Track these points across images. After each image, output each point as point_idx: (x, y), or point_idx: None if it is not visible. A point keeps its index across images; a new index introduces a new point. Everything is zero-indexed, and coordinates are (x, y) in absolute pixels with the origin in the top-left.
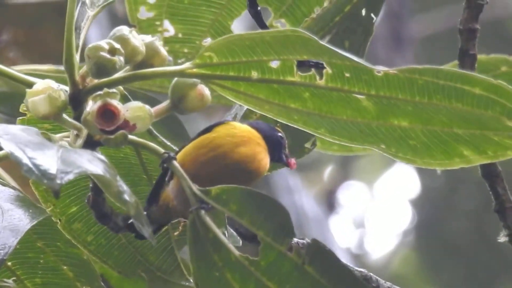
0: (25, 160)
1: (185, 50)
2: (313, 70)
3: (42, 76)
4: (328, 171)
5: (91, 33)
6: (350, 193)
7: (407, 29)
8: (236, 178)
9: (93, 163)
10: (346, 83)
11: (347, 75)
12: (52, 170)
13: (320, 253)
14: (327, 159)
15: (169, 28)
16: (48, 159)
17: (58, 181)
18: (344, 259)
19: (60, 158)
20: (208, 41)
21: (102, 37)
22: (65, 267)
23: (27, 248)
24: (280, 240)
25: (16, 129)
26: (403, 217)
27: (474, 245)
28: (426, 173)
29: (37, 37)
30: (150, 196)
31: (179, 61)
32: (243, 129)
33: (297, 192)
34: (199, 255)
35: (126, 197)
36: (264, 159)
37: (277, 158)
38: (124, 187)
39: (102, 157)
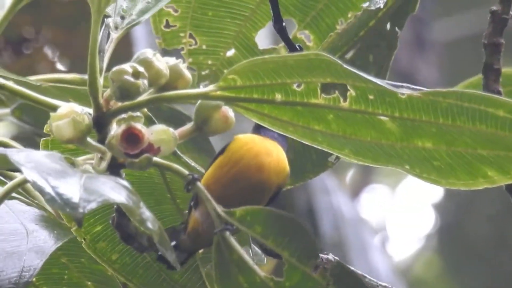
0: (48, 189)
1: (209, 62)
2: (337, 92)
3: (65, 89)
4: (350, 175)
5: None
6: (373, 197)
7: (430, 33)
8: (259, 192)
9: (116, 191)
10: (370, 105)
11: (371, 97)
12: (75, 199)
13: (344, 274)
14: (348, 163)
15: (193, 40)
16: (71, 187)
17: (81, 210)
18: (383, 260)
19: (83, 186)
20: (232, 52)
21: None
22: (89, 283)
23: (51, 264)
24: (305, 261)
25: (39, 155)
26: (426, 221)
27: (496, 250)
28: None
29: (76, 37)
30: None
31: (203, 72)
32: (257, 138)
33: (333, 193)
34: (224, 276)
35: (149, 224)
36: (285, 170)
37: None
38: (147, 214)
39: (126, 184)
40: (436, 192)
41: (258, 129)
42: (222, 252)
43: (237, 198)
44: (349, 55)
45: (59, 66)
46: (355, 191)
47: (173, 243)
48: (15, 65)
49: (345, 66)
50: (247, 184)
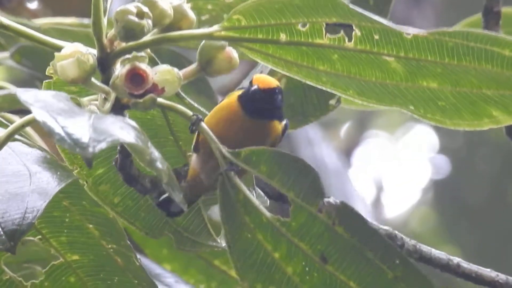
0: (58, 130)
1: (209, 7)
2: (342, 32)
3: (65, 31)
4: (345, 128)
5: None
6: (368, 150)
7: None
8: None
9: (125, 130)
10: (375, 45)
11: (376, 37)
12: (85, 139)
13: (348, 214)
14: (344, 116)
15: None
16: (80, 127)
17: (91, 150)
18: (366, 212)
19: (92, 126)
20: None
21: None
22: (90, 226)
23: (53, 207)
24: (311, 201)
25: (46, 95)
26: (422, 176)
27: (491, 207)
28: (445, 132)
29: None
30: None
31: (203, 17)
32: (226, 104)
33: (317, 145)
34: (230, 217)
35: (159, 164)
36: (254, 133)
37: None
38: (156, 154)
39: (134, 124)
40: (432, 147)
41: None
42: (227, 193)
43: (237, 140)
44: None
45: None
46: (350, 145)
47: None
48: None
49: (351, 5)
50: (236, 135)
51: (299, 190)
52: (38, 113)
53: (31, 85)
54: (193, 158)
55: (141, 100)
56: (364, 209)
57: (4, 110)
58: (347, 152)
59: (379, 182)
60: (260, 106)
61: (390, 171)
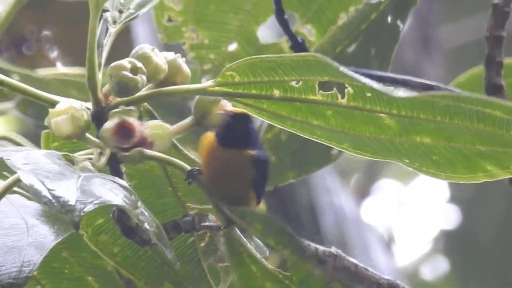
0: (45, 192)
1: (211, 56)
2: (335, 89)
3: (68, 82)
4: (356, 178)
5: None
6: (378, 199)
7: (435, 34)
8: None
9: (113, 191)
10: (368, 103)
11: (369, 94)
12: (72, 201)
13: (344, 270)
14: (355, 166)
15: (195, 35)
16: (68, 190)
17: (77, 213)
18: (383, 259)
19: (80, 188)
20: (234, 46)
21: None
22: (90, 278)
23: (52, 258)
24: (305, 260)
25: (38, 155)
26: (432, 224)
27: (503, 255)
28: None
29: (76, 35)
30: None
31: (205, 67)
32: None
33: (335, 193)
34: (239, 266)
35: (147, 225)
36: (231, 163)
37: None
38: (146, 214)
39: (124, 183)
40: (442, 195)
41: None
42: (232, 244)
43: (217, 173)
44: (351, 48)
45: (61, 65)
46: (361, 194)
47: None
48: (17, 65)
49: (341, 68)
50: (219, 179)
51: (293, 250)
52: (25, 177)
53: (36, 135)
54: None
55: (128, 153)
56: (383, 257)
57: None
58: (357, 201)
59: (389, 231)
60: (229, 133)
61: (400, 219)
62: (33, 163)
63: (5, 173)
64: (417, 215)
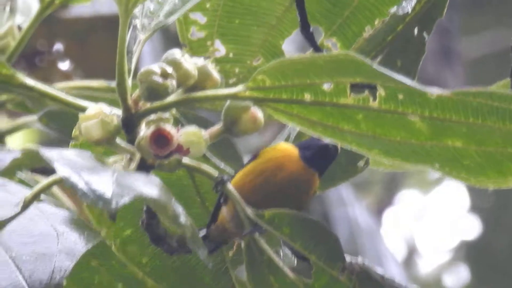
0: (81, 185)
1: (236, 70)
2: (366, 92)
3: (93, 98)
4: (376, 189)
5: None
6: (399, 210)
7: (456, 45)
8: (284, 202)
9: (148, 187)
10: (399, 105)
11: (401, 97)
12: (108, 194)
13: (367, 279)
14: (375, 177)
15: (220, 48)
16: (104, 183)
17: (114, 205)
18: (398, 271)
19: (115, 181)
20: (259, 60)
21: (155, 56)
22: (120, 286)
23: (81, 267)
24: (332, 265)
25: (70, 153)
26: (453, 234)
27: None
28: (476, 191)
29: (89, 50)
30: (211, 215)
31: (230, 81)
32: (281, 150)
33: (350, 205)
34: (256, 277)
35: (182, 220)
36: (303, 179)
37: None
38: (179, 210)
39: (157, 181)
40: (464, 206)
41: (300, 144)
42: (252, 253)
43: (262, 204)
44: (377, 60)
45: (74, 78)
46: (381, 205)
47: (203, 231)
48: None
49: (374, 66)
50: (270, 194)
51: (321, 254)
52: (61, 169)
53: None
54: (224, 207)
55: (166, 162)
56: (396, 269)
57: (26, 167)
58: (378, 212)
59: (411, 241)
60: (319, 155)
61: (422, 229)
62: (67, 158)
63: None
64: (438, 225)
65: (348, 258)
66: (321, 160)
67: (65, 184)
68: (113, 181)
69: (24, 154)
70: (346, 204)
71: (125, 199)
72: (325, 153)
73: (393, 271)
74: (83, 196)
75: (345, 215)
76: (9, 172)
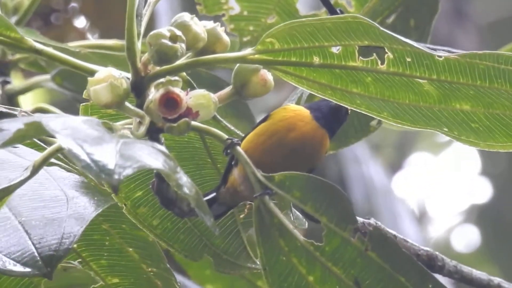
0: (83, 156)
1: (251, 28)
2: (374, 55)
3: (105, 56)
4: (387, 151)
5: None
6: (410, 172)
7: (468, 7)
8: (297, 162)
9: (152, 156)
10: (407, 68)
11: (409, 60)
12: (111, 165)
13: (381, 240)
14: (387, 138)
15: (235, 6)
16: (107, 154)
17: (116, 177)
18: (412, 230)
19: (119, 152)
20: (273, 18)
21: (172, 17)
22: (130, 249)
23: (92, 230)
24: (343, 227)
25: (76, 121)
26: (464, 197)
27: None
28: (488, 154)
29: (105, 7)
30: (222, 177)
31: (244, 39)
32: (293, 111)
33: (364, 163)
34: (265, 240)
35: (186, 190)
36: (316, 139)
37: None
38: (184, 179)
39: (163, 149)
40: (475, 169)
41: (310, 105)
42: (262, 217)
43: (275, 165)
44: (390, 19)
45: (89, 36)
46: (392, 168)
47: (213, 194)
48: (45, 36)
49: (382, 29)
50: (282, 155)
51: (332, 216)
52: (63, 141)
53: (72, 107)
54: (235, 169)
55: (175, 125)
56: (412, 229)
57: (31, 138)
58: (389, 174)
59: (421, 203)
60: (332, 116)
61: (432, 192)
62: (71, 128)
63: (42, 143)
64: (449, 188)
65: (360, 219)
66: (333, 121)
67: (68, 155)
68: (116, 151)
69: (27, 125)
70: (361, 162)
71: (128, 171)
72: (337, 114)
73: (409, 230)
74: (86, 167)
75: (360, 174)
76: (14, 142)
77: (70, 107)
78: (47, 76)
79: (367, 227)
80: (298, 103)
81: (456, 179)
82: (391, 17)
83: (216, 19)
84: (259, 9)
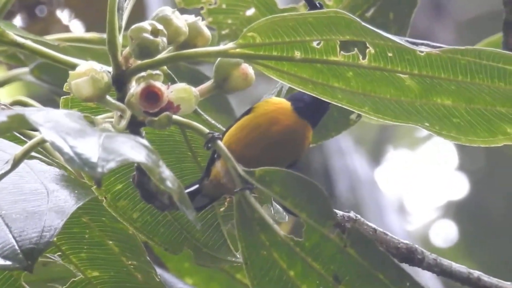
0: (67, 149)
1: (229, 21)
2: (356, 50)
3: (84, 49)
4: (367, 145)
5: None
6: (389, 166)
7: (447, 1)
8: (280, 156)
9: (135, 150)
10: (389, 63)
11: (390, 54)
12: (94, 158)
13: (358, 238)
14: (367, 132)
15: None
16: (90, 147)
17: (100, 170)
18: (396, 223)
19: (102, 145)
20: (252, 11)
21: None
22: (110, 242)
23: (72, 223)
24: (323, 223)
25: (58, 114)
26: (442, 193)
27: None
28: (466, 150)
29: (90, 0)
30: (205, 169)
31: (223, 32)
32: (274, 104)
33: (349, 155)
34: (247, 234)
35: (169, 183)
36: (298, 132)
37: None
38: (167, 173)
39: (145, 142)
40: (452, 165)
41: (292, 96)
42: (243, 211)
43: (258, 159)
44: (369, 13)
45: (74, 29)
46: (372, 162)
47: (196, 186)
48: (30, 29)
49: (364, 24)
50: (265, 149)
51: (311, 212)
52: (47, 133)
53: (51, 101)
54: (217, 162)
55: (156, 118)
56: (396, 220)
57: (14, 130)
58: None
59: (400, 198)
60: (311, 107)
61: (411, 187)
62: (54, 121)
63: (22, 137)
64: (427, 183)
65: (340, 212)
66: (314, 112)
67: (52, 148)
68: (99, 145)
69: (10, 118)
70: (345, 154)
71: (111, 164)
72: (318, 105)
73: (394, 223)
74: (69, 160)
75: (345, 166)
76: None
77: (48, 100)
78: (25, 69)
79: (346, 221)
80: (278, 96)
81: (434, 175)
82: (371, 10)
83: (195, 12)
84: (238, 2)
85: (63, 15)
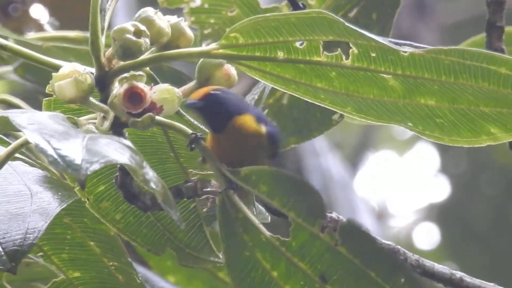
0: (50, 151)
1: (211, 21)
2: (339, 50)
3: (67, 50)
4: (350, 145)
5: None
6: (371, 167)
7: (430, 2)
8: (246, 151)
9: (119, 151)
10: (372, 63)
11: (373, 55)
12: (78, 160)
13: (354, 233)
14: (349, 132)
15: None
16: (74, 149)
17: (83, 172)
18: (372, 223)
19: (85, 147)
20: (234, 11)
21: (129, 15)
22: (92, 243)
23: (54, 224)
24: (312, 221)
25: (42, 116)
26: (424, 196)
27: (494, 230)
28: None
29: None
30: None
31: (205, 31)
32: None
33: (323, 156)
34: (229, 235)
35: (153, 185)
36: (243, 122)
37: None
38: (151, 174)
39: (129, 144)
40: (435, 167)
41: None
42: (227, 211)
43: (233, 159)
44: (352, 13)
45: (48, 28)
46: (354, 162)
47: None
48: (5, 28)
49: (347, 24)
50: (230, 144)
51: (300, 210)
52: (31, 136)
53: (34, 100)
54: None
55: (139, 119)
56: (370, 221)
57: None
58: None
59: (382, 201)
60: (214, 119)
61: (393, 190)
62: (38, 123)
63: (6, 138)
64: (409, 186)
65: (332, 214)
66: (217, 119)
67: (37, 150)
68: (83, 147)
69: None
70: (319, 155)
71: (95, 166)
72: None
73: (367, 222)
74: (53, 162)
75: (318, 166)
76: None
77: (32, 98)
78: (9, 68)
79: (328, 222)
80: (261, 96)
81: (417, 178)
82: (353, 10)
83: (177, 11)
84: (220, 2)
85: (38, 13)
